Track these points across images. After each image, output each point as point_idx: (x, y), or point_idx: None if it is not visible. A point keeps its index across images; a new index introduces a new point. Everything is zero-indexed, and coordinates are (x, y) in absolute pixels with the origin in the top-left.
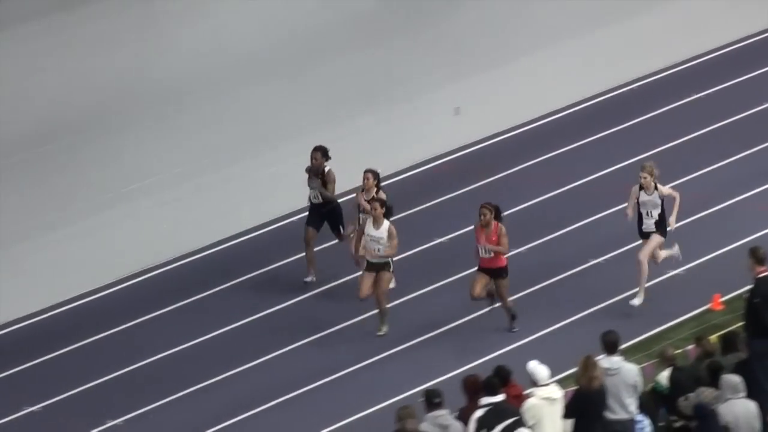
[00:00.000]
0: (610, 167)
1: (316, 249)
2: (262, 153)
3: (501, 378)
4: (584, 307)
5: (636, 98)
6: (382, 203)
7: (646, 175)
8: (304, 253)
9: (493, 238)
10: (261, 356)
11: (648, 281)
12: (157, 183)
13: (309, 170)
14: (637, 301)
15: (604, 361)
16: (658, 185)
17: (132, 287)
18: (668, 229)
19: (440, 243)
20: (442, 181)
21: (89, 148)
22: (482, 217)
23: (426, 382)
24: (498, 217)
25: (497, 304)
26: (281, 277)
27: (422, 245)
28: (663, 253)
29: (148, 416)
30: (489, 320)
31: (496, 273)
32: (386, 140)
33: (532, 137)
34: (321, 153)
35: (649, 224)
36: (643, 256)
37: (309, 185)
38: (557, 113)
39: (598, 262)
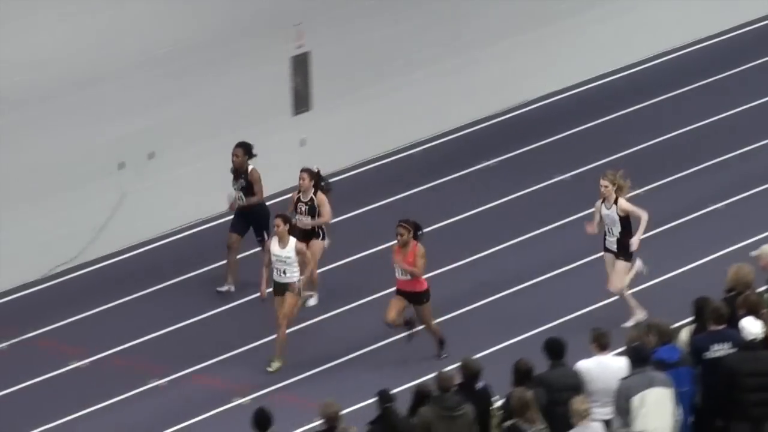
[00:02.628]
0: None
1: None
2: None
3: None
4: (524, 329)
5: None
6: (285, 219)
7: (606, 183)
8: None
9: (410, 259)
10: (167, 375)
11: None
12: None
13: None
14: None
15: None
16: (620, 199)
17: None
18: (630, 250)
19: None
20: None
21: None
22: (399, 237)
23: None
24: (417, 236)
25: (418, 328)
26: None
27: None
28: (628, 276)
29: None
30: (412, 345)
31: (414, 298)
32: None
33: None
34: (243, 150)
35: (611, 242)
36: (614, 287)
37: (233, 186)
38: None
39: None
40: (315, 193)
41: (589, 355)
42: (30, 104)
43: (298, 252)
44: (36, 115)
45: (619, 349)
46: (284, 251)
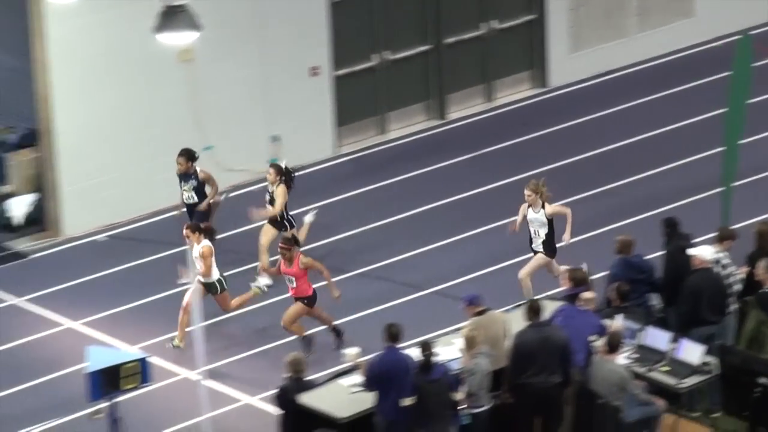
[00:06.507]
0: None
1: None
2: None
3: None
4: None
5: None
6: (195, 227)
7: (530, 192)
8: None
9: (295, 269)
10: None
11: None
12: None
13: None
14: None
15: None
16: (546, 204)
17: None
18: (561, 244)
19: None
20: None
21: None
22: (282, 255)
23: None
24: (298, 244)
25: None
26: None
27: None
28: (563, 268)
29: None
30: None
31: (302, 301)
32: None
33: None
34: (185, 157)
35: (537, 243)
36: (523, 273)
37: (182, 188)
38: None
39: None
40: (276, 186)
41: None
42: None
43: (200, 255)
44: None
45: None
46: (194, 252)
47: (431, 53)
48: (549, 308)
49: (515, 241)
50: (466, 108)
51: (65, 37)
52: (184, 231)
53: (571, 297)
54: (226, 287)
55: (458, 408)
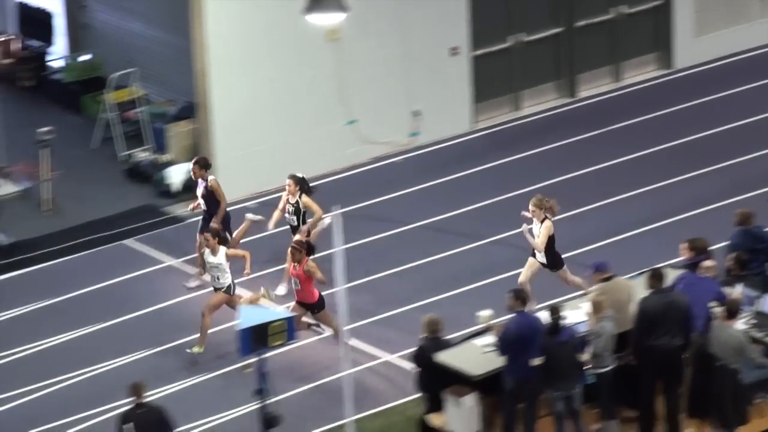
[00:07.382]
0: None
1: None
2: None
3: None
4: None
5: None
6: (215, 233)
7: (533, 207)
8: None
9: (300, 272)
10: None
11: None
12: None
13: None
14: None
15: None
16: (546, 221)
17: None
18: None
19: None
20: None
21: None
22: (293, 257)
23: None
24: (310, 252)
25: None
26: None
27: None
28: (576, 279)
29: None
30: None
31: (308, 307)
32: None
33: None
34: (198, 165)
35: (540, 254)
36: (524, 278)
37: (196, 191)
38: None
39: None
40: (300, 196)
41: None
42: None
43: (229, 257)
44: None
45: None
46: (215, 259)
47: (563, 35)
48: (671, 276)
49: (638, 214)
50: (594, 87)
51: (222, 18)
52: (205, 235)
53: (692, 265)
54: (231, 294)
55: (584, 368)
